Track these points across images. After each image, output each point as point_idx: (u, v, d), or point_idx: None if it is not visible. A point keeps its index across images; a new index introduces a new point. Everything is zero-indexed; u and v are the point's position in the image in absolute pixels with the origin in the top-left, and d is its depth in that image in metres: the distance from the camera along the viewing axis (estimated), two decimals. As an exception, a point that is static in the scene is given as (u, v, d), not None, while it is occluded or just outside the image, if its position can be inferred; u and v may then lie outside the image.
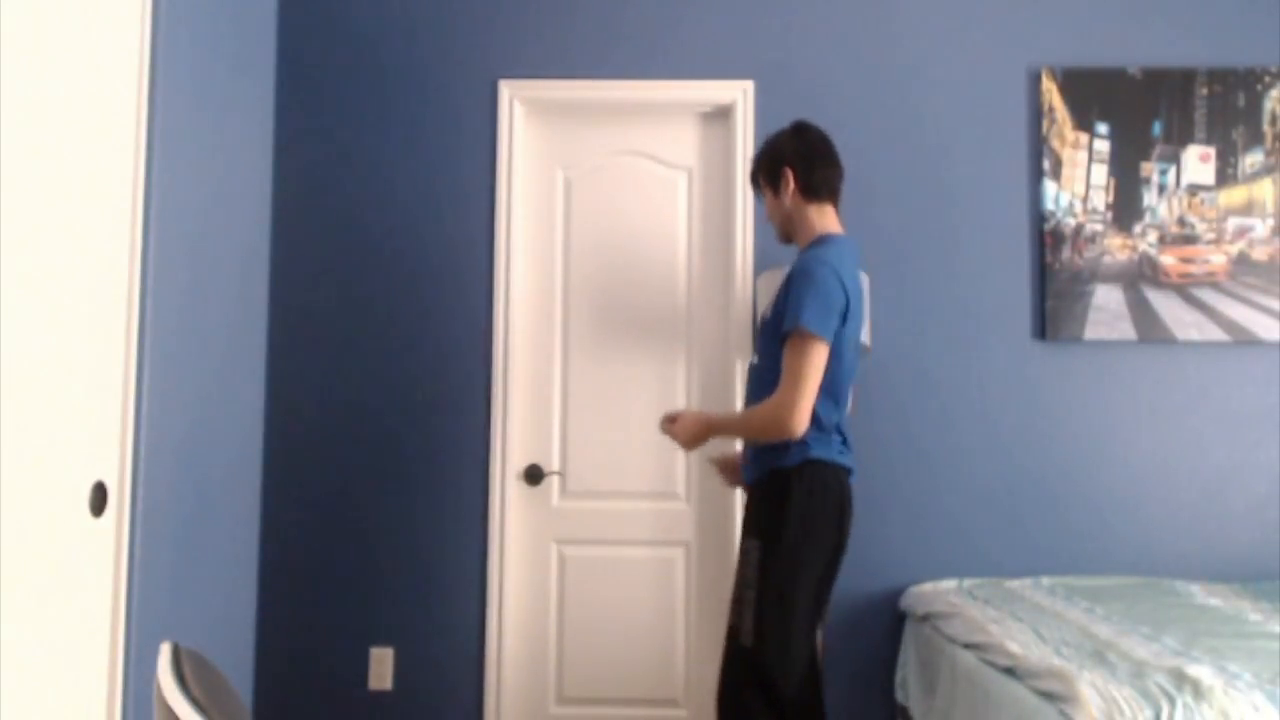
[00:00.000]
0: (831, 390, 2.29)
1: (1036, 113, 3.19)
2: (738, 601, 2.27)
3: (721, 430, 2.35)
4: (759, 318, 2.50)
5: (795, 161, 2.39)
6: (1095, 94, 3.18)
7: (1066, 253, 3.14)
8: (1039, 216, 3.17)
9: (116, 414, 2.13)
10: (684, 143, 3.26)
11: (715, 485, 3.19)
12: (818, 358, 2.22)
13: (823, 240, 2.36)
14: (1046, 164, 3.16)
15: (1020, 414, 3.13)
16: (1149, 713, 1.78)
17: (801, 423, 2.20)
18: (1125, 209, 3.16)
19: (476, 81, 3.21)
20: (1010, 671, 2.15)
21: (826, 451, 2.28)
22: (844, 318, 2.28)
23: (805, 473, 2.26)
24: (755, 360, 2.43)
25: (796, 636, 2.23)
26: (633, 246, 3.23)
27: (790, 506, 2.24)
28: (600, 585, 3.14)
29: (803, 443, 2.26)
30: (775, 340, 2.33)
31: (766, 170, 2.44)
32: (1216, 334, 3.11)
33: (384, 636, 3.09)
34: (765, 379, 2.35)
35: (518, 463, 3.17)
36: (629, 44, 3.21)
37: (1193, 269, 3.15)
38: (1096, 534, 3.10)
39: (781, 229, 2.47)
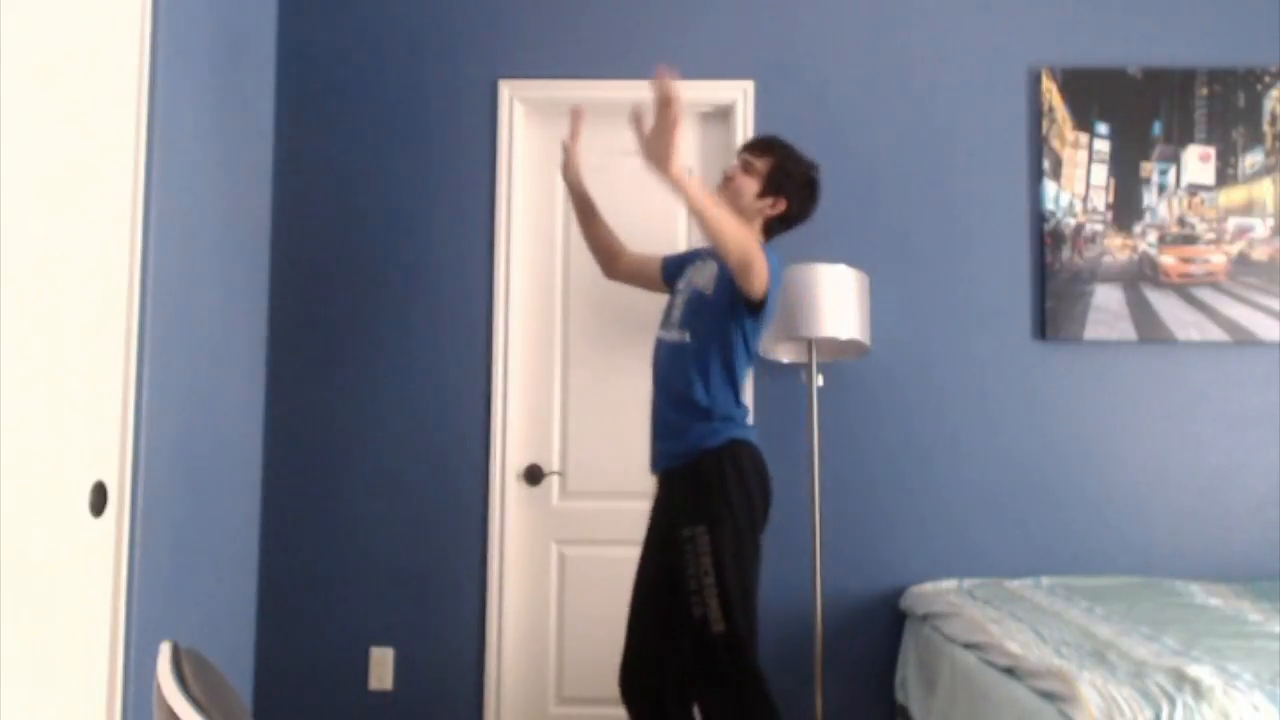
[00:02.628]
0: (747, 368, 2.41)
1: (1036, 112, 3.19)
2: (696, 592, 2.25)
3: (689, 192, 2.12)
4: (686, 296, 2.45)
5: (794, 200, 2.46)
6: (1095, 94, 3.18)
7: (1066, 252, 3.14)
8: (1039, 216, 3.17)
9: (116, 414, 2.13)
10: (684, 143, 3.26)
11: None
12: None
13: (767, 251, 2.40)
14: (1046, 164, 3.17)
15: (1020, 414, 3.13)
16: (1149, 713, 1.78)
17: (763, 263, 2.26)
18: (1125, 209, 3.16)
19: (476, 81, 3.21)
20: (1010, 671, 2.15)
21: (746, 432, 2.37)
22: (773, 302, 2.38)
23: (734, 452, 2.32)
24: (684, 338, 2.39)
25: (756, 614, 2.31)
26: (633, 246, 3.22)
27: (730, 486, 2.29)
28: (600, 585, 3.14)
29: (727, 422, 2.34)
30: (716, 317, 2.35)
31: (777, 170, 2.44)
32: (1216, 334, 3.11)
33: (384, 636, 3.09)
34: (696, 357, 2.35)
35: (518, 463, 3.17)
36: (629, 44, 3.21)
37: (1193, 269, 3.15)
38: (1096, 534, 3.10)
39: (725, 205, 2.34)
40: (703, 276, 2.44)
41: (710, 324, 2.37)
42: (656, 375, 2.45)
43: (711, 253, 2.47)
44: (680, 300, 2.47)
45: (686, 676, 2.34)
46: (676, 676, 2.36)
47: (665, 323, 2.49)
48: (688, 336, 2.39)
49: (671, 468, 2.38)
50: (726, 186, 2.47)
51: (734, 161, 2.52)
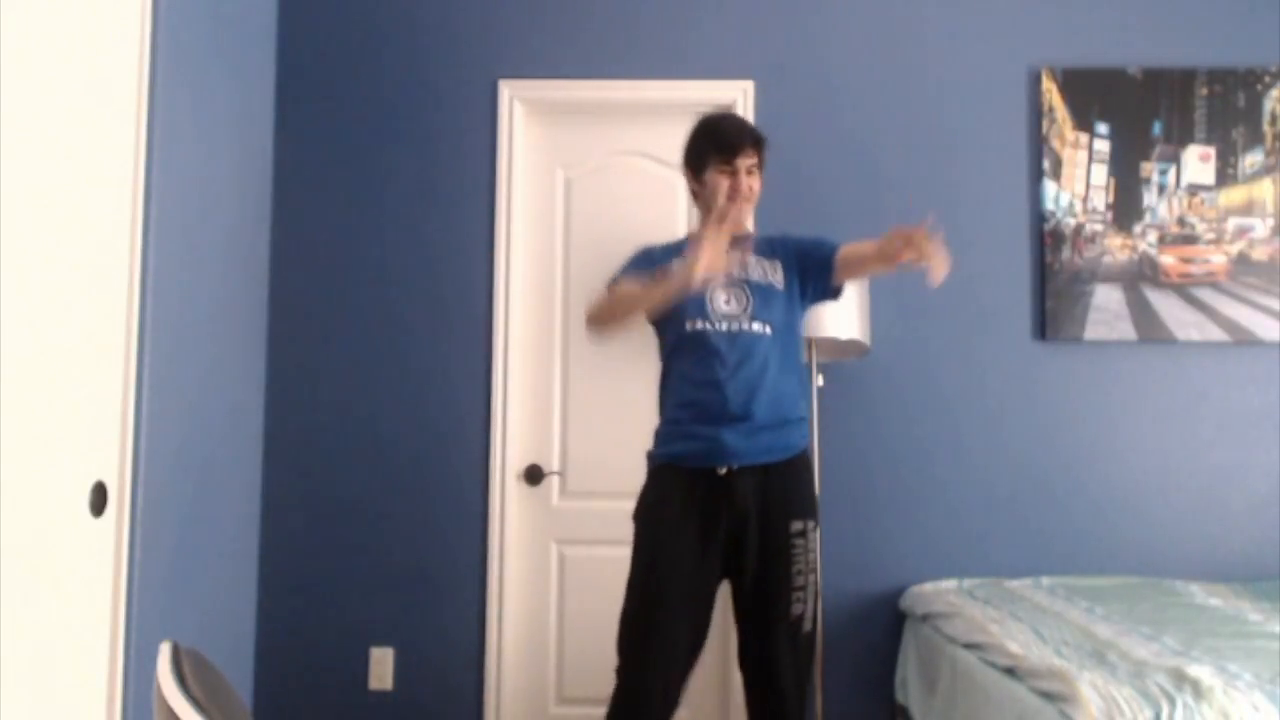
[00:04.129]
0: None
1: (1037, 112, 3.19)
2: (802, 589, 2.23)
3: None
4: (747, 289, 2.33)
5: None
6: (1095, 94, 3.18)
7: (1066, 253, 3.14)
8: (1039, 216, 3.17)
9: (116, 414, 2.13)
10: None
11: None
12: None
13: None
14: (1046, 164, 3.16)
15: (1020, 414, 3.13)
16: (1149, 713, 1.78)
17: None
18: (1125, 209, 3.16)
19: (476, 81, 3.21)
20: (1010, 671, 2.15)
21: None
22: None
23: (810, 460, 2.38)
24: (765, 330, 2.29)
25: None
26: (633, 246, 3.22)
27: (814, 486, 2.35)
28: (600, 585, 3.14)
29: (805, 424, 2.37)
30: (791, 309, 2.34)
31: (764, 155, 2.41)
32: (1216, 334, 3.11)
33: (384, 636, 3.09)
34: (784, 351, 2.31)
35: (518, 463, 3.17)
36: (629, 44, 3.21)
37: (1193, 269, 3.15)
38: (1097, 534, 3.10)
39: (746, 210, 2.41)
40: (759, 270, 2.36)
41: (786, 317, 2.34)
42: (736, 363, 2.27)
43: (766, 249, 2.40)
44: (734, 293, 2.32)
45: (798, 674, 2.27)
46: (791, 674, 2.26)
47: (715, 313, 2.31)
48: (768, 330, 2.31)
49: (771, 463, 2.26)
50: (748, 199, 2.37)
51: (742, 175, 2.35)
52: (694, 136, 2.42)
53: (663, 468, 2.33)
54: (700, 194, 2.41)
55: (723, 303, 2.32)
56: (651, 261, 2.39)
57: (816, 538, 2.29)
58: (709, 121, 2.44)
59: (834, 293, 2.40)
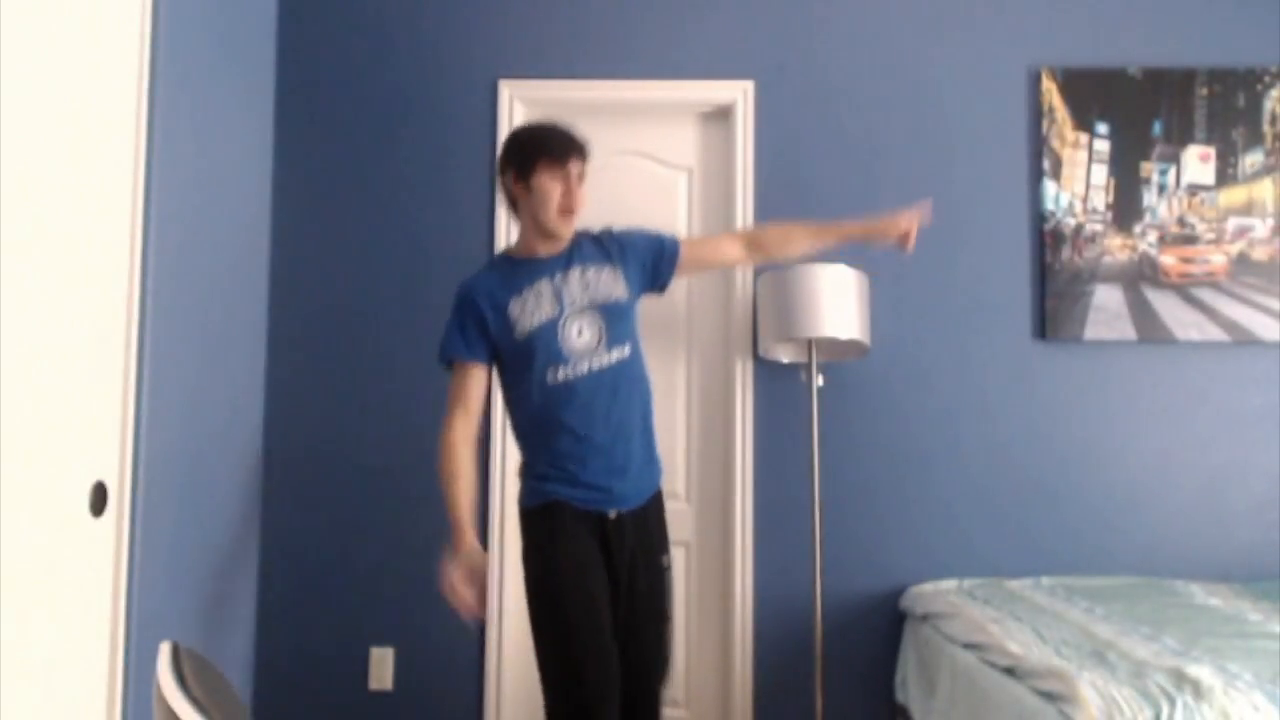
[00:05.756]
0: None
1: (1037, 112, 3.19)
2: (669, 622, 2.29)
3: None
4: (599, 310, 2.23)
5: None
6: (1095, 94, 3.18)
7: (1066, 252, 3.14)
8: (1039, 216, 3.17)
9: (116, 414, 2.13)
10: (684, 143, 3.26)
11: (715, 485, 3.19)
12: None
13: None
14: (1046, 164, 3.16)
15: (1020, 414, 3.13)
16: (1149, 713, 1.78)
17: None
18: (1125, 209, 3.16)
19: (476, 81, 3.21)
20: (1010, 672, 2.15)
21: None
22: None
23: None
24: (624, 354, 2.22)
25: None
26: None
27: None
28: (600, 585, 3.13)
29: None
30: (633, 318, 2.28)
31: None
32: (1216, 334, 3.11)
33: (384, 636, 3.09)
34: (641, 372, 2.27)
35: (517, 462, 3.16)
36: (629, 44, 3.21)
37: (1193, 269, 3.15)
38: (1096, 534, 3.10)
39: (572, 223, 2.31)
40: (605, 286, 2.26)
41: (634, 330, 2.28)
42: (609, 408, 2.20)
43: (602, 255, 2.30)
44: (585, 320, 2.22)
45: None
46: (655, 707, 2.27)
47: (572, 354, 2.19)
48: (627, 352, 2.24)
49: (646, 502, 2.27)
50: (577, 210, 2.24)
51: (574, 181, 2.22)
52: (519, 138, 2.28)
53: (552, 505, 2.20)
54: (524, 199, 2.23)
55: (575, 336, 2.20)
56: (477, 311, 2.25)
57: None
58: (536, 126, 2.31)
59: (664, 290, 2.43)
